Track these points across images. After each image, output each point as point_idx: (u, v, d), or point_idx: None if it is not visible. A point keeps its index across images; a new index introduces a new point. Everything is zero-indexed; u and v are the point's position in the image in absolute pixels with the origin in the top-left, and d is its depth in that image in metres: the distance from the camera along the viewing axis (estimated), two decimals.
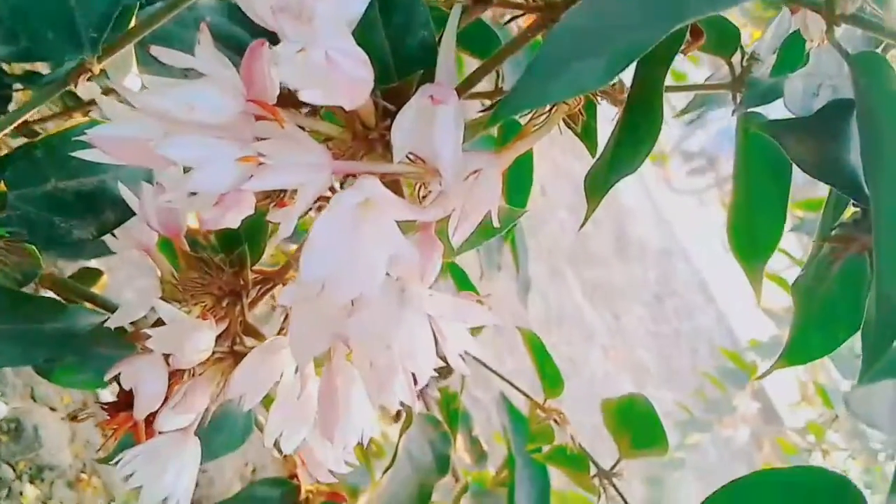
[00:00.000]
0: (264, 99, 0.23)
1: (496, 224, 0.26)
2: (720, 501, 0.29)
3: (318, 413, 0.25)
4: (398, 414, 0.54)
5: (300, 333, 0.23)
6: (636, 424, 0.43)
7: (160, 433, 0.28)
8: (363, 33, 0.23)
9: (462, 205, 0.24)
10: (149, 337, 0.25)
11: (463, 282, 0.51)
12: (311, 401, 0.26)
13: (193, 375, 0.30)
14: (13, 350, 0.31)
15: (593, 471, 0.46)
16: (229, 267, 0.29)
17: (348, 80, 0.20)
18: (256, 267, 0.30)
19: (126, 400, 0.31)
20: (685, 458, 1.37)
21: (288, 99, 0.23)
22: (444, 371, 0.55)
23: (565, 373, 0.53)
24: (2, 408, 1.00)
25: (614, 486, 0.44)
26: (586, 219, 0.28)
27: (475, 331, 0.29)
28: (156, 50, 0.23)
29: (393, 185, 0.25)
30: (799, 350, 0.32)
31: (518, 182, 0.43)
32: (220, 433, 0.38)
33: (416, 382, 0.24)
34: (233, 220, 0.24)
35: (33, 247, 0.31)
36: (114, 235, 0.32)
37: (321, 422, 0.25)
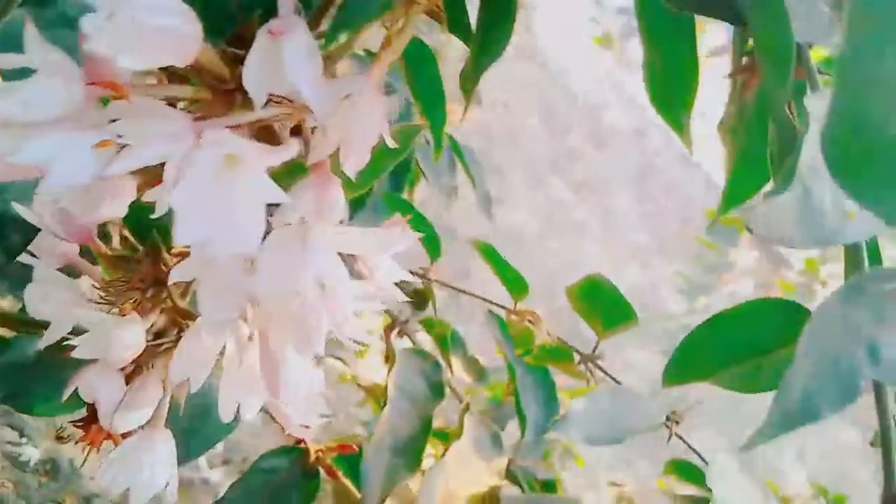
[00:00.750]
0: (109, 78, 0.22)
1: (392, 145, 0.26)
2: (701, 334, 0.30)
3: (261, 377, 0.25)
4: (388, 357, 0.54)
5: (207, 304, 0.22)
6: (601, 304, 0.43)
7: (124, 435, 0.28)
8: None
9: (344, 134, 0.24)
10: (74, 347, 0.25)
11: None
12: (254, 367, 0.26)
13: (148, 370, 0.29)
14: None
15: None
16: (145, 257, 0.29)
17: (165, 37, 0.19)
18: (176, 250, 0.30)
19: (93, 412, 0.31)
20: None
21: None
22: (419, 302, 0.55)
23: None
24: (33, 452, 1.01)
25: (599, 367, 0.44)
26: (465, 113, 0.27)
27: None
28: None
29: (265, 132, 0.24)
30: (735, 192, 0.32)
31: (430, 98, 0.41)
32: (206, 422, 0.39)
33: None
34: (113, 211, 0.23)
35: None
36: (33, 254, 0.31)
37: (266, 384, 0.25)
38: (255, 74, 0.21)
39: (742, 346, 0.28)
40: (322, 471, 0.47)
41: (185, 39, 0.20)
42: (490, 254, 0.49)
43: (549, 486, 0.57)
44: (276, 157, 0.21)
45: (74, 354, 0.25)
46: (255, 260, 0.22)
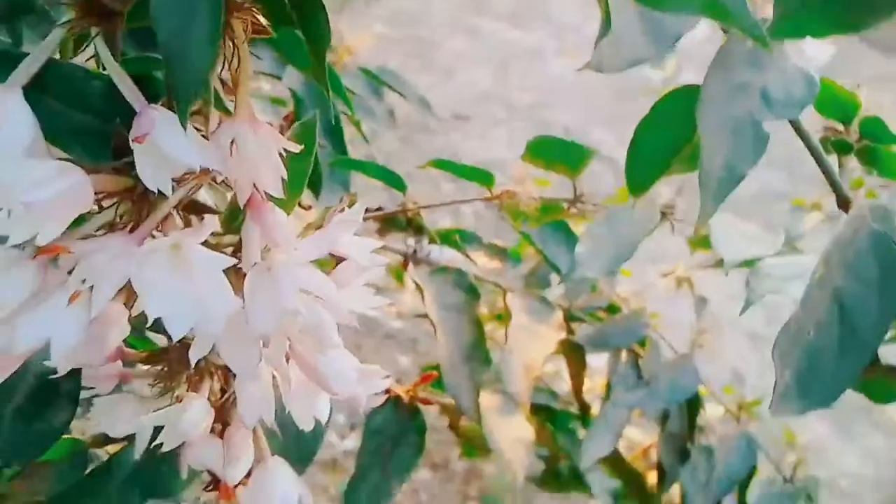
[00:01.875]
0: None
1: (297, 149, 0.28)
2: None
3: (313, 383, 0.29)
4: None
5: (233, 361, 0.26)
6: (556, 153, 0.45)
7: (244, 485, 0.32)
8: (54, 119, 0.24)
9: (249, 171, 0.26)
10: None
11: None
12: (303, 379, 0.30)
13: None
14: None
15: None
16: (170, 343, 0.33)
17: (60, 201, 0.21)
18: None
19: (214, 477, 0.35)
20: None
21: None
22: (415, 232, 0.58)
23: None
24: None
25: (585, 202, 0.47)
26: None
27: None
28: None
29: (192, 206, 0.27)
30: None
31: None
32: (300, 435, 0.43)
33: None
34: (121, 333, 0.26)
35: None
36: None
37: (321, 387, 0.29)
38: (150, 174, 0.24)
39: (671, 139, 0.30)
40: (420, 405, 0.52)
41: (79, 189, 0.22)
42: (446, 165, 0.52)
43: (613, 309, 0.62)
44: (203, 234, 0.23)
45: (165, 450, 0.30)
46: (245, 307, 0.25)
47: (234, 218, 0.30)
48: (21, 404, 0.32)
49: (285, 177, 0.28)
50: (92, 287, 0.24)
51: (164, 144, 0.23)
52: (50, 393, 0.33)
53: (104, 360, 0.32)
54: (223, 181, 0.28)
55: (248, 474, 0.34)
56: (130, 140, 0.24)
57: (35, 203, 0.21)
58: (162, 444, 0.31)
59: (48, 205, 0.21)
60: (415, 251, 0.53)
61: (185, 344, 0.32)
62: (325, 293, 0.27)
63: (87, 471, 0.38)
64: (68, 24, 0.25)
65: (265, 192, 0.27)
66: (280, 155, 0.27)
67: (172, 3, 0.21)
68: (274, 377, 0.31)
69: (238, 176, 0.26)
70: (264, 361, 0.28)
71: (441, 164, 0.51)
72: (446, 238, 0.57)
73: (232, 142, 0.25)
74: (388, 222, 0.58)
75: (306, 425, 0.31)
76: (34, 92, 0.24)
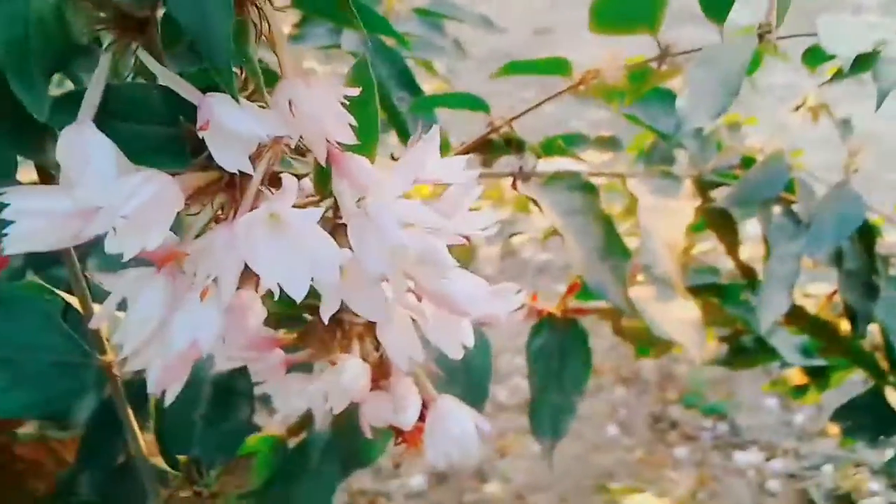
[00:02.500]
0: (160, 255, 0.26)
1: (354, 92, 0.28)
2: None
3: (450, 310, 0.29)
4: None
5: (363, 308, 0.26)
6: (628, 11, 0.42)
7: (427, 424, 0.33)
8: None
9: (315, 127, 0.26)
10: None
11: None
12: (439, 310, 0.30)
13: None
14: None
15: None
16: (311, 315, 0.34)
17: (154, 205, 0.22)
18: None
19: (398, 430, 0.36)
20: None
21: None
22: (516, 148, 0.56)
23: None
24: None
25: (674, 54, 0.43)
26: None
27: None
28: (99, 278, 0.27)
29: (279, 180, 0.28)
30: None
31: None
32: (468, 372, 0.44)
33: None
34: (258, 317, 0.28)
35: None
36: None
37: (456, 312, 0.29)
38: (226, 157, 0.24)
39: None
40: (575, 316, 0.51)
41: (166, 190, 0.23)
42: (519, 67, 0.50)
43: (748, 162, 0.57)
44: (288, 195, 0.24)
45: (336, 412, 0.31)
46: (355, 255, 0.25)
47: (324, 181, 0.30)
48: (206, 412, 0.35)
49: (353, 122, 0.27)
50: (216, 280, 0.25)
51: (225, 123, 0.24)
52: (228, 395, 0.35)
53: (259, 345, 0.33)
54: (300, 147, 0.28)
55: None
56: (198, 132, 0.24)
57: (132, 213, 0.22)
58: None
59: (143, 211, 0.22)
60: (520, 168, 0.52)
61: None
62: (426, 219, 0.27)
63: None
64: (111, 46, 0.26)
65: (338, 143, 0.27)
66: (343, 105, 0.27)
67: None
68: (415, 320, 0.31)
69: (305, 133, 0.26)
70: (395, 303, 0.29)
71: (513, 67, 0.49)
72: (550, 147, 0.55)
73: (290, 103, 0.26)
74: (487, 150, 0.56)
75: (455, 353, 0.31)
76: (103, 119, 0.25)
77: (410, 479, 1.22)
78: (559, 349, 0.50)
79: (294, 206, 0.25)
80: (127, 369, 0.28)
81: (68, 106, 0.25)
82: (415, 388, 0.33)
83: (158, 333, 0.26)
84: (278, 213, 0.24)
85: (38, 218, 0.23)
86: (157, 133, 0.26)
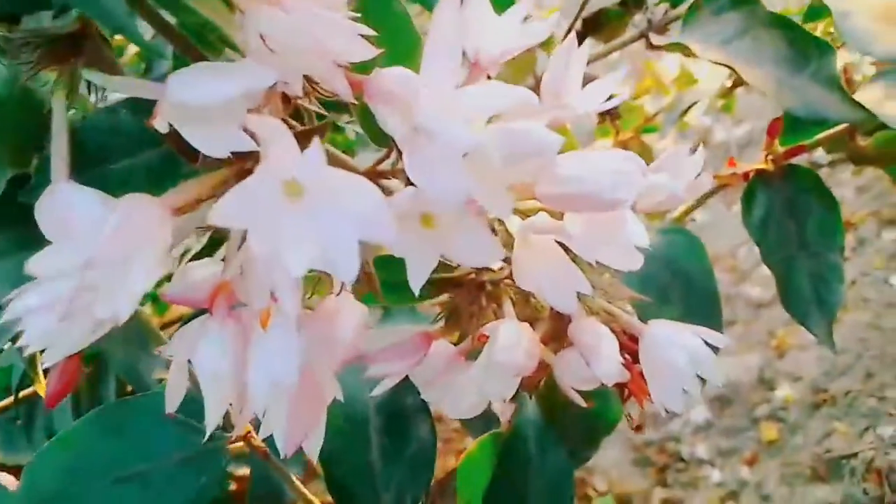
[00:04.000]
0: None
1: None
2: None
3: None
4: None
5: (463, 250, 0.19)
6: None
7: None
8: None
9: (308, 60, 0.19)
10: None
11: None
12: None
13: None
14: None
15: None
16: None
17: (119, 246, 0.17)
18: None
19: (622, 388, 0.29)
20: None
21: None
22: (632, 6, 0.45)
23: None
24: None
25: None
26: None
27: None
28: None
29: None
30: None
31: None
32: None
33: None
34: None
35: None
36: None
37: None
38: (207, 141, 0.18)
39: None
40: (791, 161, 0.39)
41: (135, 220, 0.17)
42: None
43: None
44: (288, 150, 0.17)
45: (507, 396, 0.23)
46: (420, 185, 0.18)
47: (369, 122, 0.23)
48: (384, 443, 0.29)
49: (364, 31, 0.20)
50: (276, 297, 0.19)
51: (184, 98, 0.17)
52: (401, 418, 0.29)
53: (404, 349, 0.27)
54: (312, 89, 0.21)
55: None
56: (167, 128, 0.18)
57: (97, 256, 0.16)
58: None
59: (111, 249, 0.16)
60: (649, 21, 0.41)
61: (460, 283, 0.27)
62: (504, 101, 0.18)
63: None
64: (56, 84, 0.21)
65: (350, 64, 0.20)
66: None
67: None
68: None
69: (301, 69, 0.19)
70: (522, 231, 0.21)
71: None
72: None
73: (263, 38, 0.19)
74: (602, 25, 0.46)
75: (631, 263, 0.22)
76: (83, 170, 0.20)
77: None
78: (787, 207, 0.38)
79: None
80: (262, 435, 0.23)
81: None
82: (603, 329, 0.25)
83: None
84: (293, 179, 0.17)
85: (45, 313, 0.19)
86: (147, 161, 0.21)
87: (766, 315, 1.16)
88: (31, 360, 0.30)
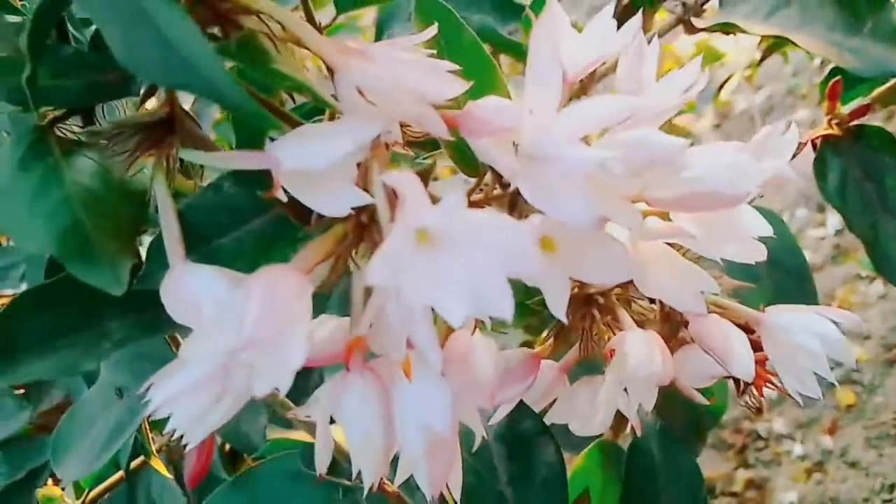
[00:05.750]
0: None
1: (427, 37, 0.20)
2: None
3: None
4: None
5: (591, 267, 0.18)
6: None
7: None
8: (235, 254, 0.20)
9: (402, 103, 0.19)
10: None
11: None
12: None
13: None
14: None
15: None
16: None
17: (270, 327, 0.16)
18: None
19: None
20: None
21: None
22: None
23: None
24: None
25: None
26: None
27: None
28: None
29: None
30: None
31: None
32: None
33: None
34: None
35: None
36: None
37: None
38: (325, 202, 0.18)
39: None
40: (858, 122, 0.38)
41: (279, 290, 0.17)
42: None
43: None
44: (418, 201, 0.17)
45: (649, 406, 0.23)
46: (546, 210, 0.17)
47: (465, 157, 0.23)
48: (512, 470, 0.29)
49: (451, 66, 0.20)
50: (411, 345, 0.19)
51: (298, 164, 0.17)
52: (523, 443, 0.29)
53: (511, 376, 0.27)
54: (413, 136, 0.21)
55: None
56: (285, 196, 0.18)
57: (250, 336, 0.16)
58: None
59: (263, 326, 0.16)
60: (684, 4, 0.41)
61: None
62: (611, 113, 0.18)
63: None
64: (155, 170, 0.21)
65: (447, 101, 0.19)
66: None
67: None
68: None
69: (399, 114, 0.19)
70: (638, 239, 0.20)
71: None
72: None
73: (360, 92, 0.19)
74: (634, 9, 0.45)
75: (756, 255, 0.22)
76: (198, 250, 0.20)
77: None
78: (862, 170, 0.37)
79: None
80: (397, 481, 0.22)
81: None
82: (725, 324, 0.24)
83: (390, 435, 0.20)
84: (423, 228, 0.17)
85: (193, 396, 0.19)
86: (256, 229, 0.21)
87: (822, 278, 1.14)
88: (144, 438, 0.31)
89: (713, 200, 0.19)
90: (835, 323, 0.24)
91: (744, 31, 0.36)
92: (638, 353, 0.21)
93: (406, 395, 0.19)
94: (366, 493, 0.19)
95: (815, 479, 1.05)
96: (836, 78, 0.39)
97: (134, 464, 0.37)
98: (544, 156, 0.18)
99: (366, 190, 0.19)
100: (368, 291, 0.19)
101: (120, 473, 0.35)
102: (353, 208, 0.19)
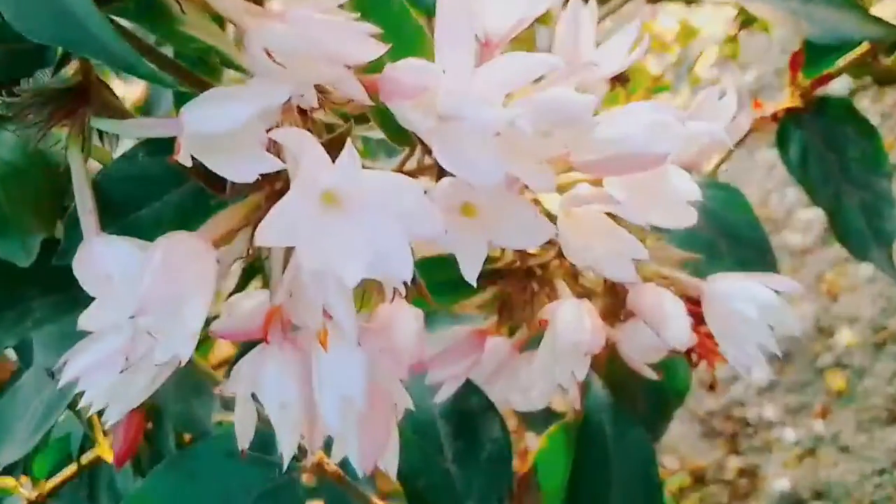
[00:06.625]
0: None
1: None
2: None
3: None
4: None
5: (507, 233, 0.18)
6: None
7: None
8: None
9: (315, 64, 0.18)
10: None
11: None
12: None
13: None
14: None
15: None
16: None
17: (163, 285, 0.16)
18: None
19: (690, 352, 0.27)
20: None
21: None
22: None
23: None
24: None
25: None
26: None
27: None
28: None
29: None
30: None
31: None
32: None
33: None
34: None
35: None
36: None
37: None
38: (232, 168, 0.18)
39: None
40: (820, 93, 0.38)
41: (177, 255, 0.17)
42: None
43: None
44: (316, 161, 0.16)
45: (580, 377, 0.22)
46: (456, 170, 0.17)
47: (388, 122, 0.22)
48: (458, 447, 0.28)
49: (371, 31, 0.19)
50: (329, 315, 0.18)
51: (200, 127, 0.17)
52: (470, 420, 0.29)
53: (456, 350, 0.26)
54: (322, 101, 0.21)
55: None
56: (190, 161, 0.18)
57: (144, 299, 0.16)
58: None
59: (157, 289, 0.16)
60: None
61: (506, 273, 0.26)
62: (525, 73, 0.18)
63: None
64: (69, 140, 0.20)
65: (358, 66, 0.19)
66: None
67: None
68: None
69: (312, 77, 0.19)
70: (564, 204, 0.20)
71: None
72: None
73: (268, 53, 0.18)
74: None
75: (686, 219, 0.21)
76: (116, 223, 0.20)
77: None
78: (824, 141, 0.36)
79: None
80: (335, 459, 0.22)
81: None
82: (665, 293, 0.24)
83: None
84: (326, 189, 0.16)
85: (104, 369, 0.18)
86: (175, 200, 0.20)
87: (811, 260, 1.13)
88: (91, 424, 0.30)
89: (635, 161, 0.19)
90: (776, 291, 0.23)
91: (698, 2, 0.36)
92: (567, 320, 0.21)
93: (323, 365, 0.18)
94: (285, 466, 0.18)
95: (806, 464, 1.05)
96: (799, 49, 0.38)
97: (93, 454, 0.37)
98: (454, 115, 0.17)
99: (278, 157, 0.18)
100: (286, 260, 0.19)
101: (73, 465, 0.34)
102: (265, 177, 0.18)
